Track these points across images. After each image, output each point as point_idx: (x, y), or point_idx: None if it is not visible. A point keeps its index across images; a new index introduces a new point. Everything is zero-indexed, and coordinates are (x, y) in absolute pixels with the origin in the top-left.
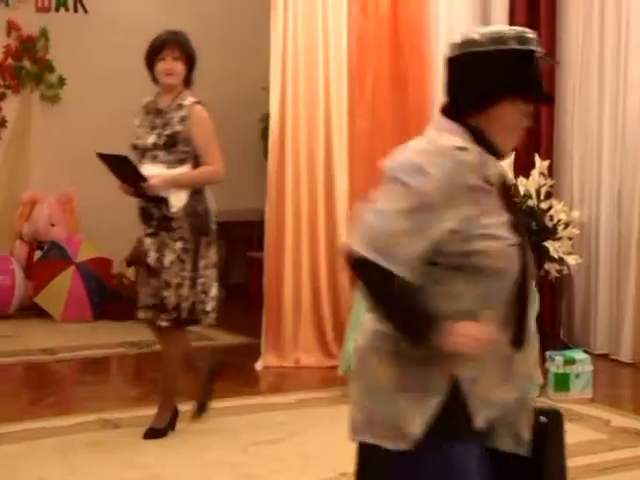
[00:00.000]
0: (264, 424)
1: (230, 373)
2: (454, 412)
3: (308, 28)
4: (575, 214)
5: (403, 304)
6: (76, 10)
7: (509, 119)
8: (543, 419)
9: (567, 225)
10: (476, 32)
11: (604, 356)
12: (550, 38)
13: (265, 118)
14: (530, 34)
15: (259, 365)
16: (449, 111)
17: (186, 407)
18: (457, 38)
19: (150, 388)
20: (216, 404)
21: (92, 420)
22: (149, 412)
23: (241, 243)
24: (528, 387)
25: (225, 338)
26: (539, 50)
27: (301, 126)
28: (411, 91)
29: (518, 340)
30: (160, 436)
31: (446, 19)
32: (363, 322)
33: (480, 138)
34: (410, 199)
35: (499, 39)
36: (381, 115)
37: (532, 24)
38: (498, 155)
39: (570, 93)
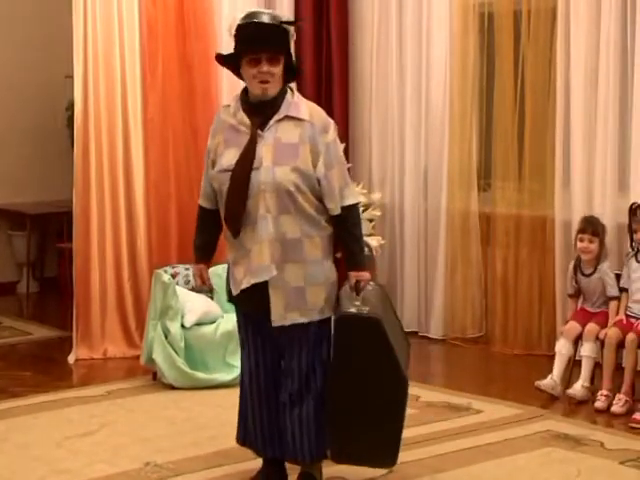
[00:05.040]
0: (77, 418)
1: (45, 367)
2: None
3: (105, 15)
4: (376, 196)
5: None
6: None
7: (246, 74)
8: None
9: (367, 207)
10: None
11: (413, 333)
12: (342, 21)
13: (71, 106)
14: (256, 10)
15: (71, 358)
16: None
17: None
18: None
19: None
20: (32, 399)
21: None
22: None
23: (54, 235)
24: (260, 273)
25: (41, 332)
26: (265, 21)
27: (102, 115)
28: (196, 76)
29: (234, 230)
30: None
31: (229, 7)
32: None
33: (242, 94)
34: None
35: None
36: (171, 102)
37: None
38: (250, 102)
39: (367, 75)
